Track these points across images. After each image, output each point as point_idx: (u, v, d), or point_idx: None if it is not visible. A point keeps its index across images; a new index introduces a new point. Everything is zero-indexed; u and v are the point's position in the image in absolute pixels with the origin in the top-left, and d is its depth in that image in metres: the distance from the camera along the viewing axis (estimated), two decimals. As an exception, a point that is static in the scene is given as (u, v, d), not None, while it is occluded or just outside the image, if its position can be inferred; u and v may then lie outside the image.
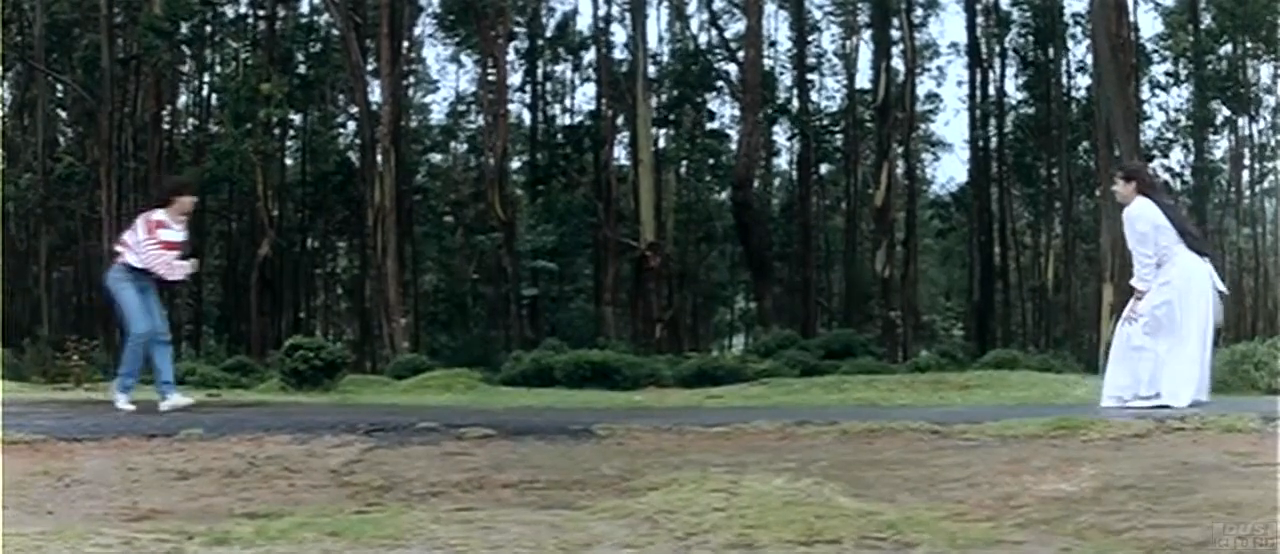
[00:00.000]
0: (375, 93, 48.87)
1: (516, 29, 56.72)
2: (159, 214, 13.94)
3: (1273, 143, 59.86)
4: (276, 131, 54.89)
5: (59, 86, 55.58)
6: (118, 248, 14.20)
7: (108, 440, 9.22)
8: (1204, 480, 6.85)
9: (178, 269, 14.06)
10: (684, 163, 60.56)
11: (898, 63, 52.36)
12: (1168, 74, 58.84)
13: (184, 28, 51.85)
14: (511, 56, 56.28)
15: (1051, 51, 57.90)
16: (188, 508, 6.84)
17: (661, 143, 57.24)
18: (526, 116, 61.43)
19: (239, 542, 5.42)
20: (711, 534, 5.62)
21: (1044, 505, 6.40)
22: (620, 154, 55.89)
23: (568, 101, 63.05)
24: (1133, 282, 12.39)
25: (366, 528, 5.69)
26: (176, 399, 13.83)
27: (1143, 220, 12.18)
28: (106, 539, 5.38)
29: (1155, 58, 58.37)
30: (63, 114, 59.02)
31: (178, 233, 14.06)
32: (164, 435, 9.41)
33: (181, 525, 5.83)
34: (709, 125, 59.65)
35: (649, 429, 10.05)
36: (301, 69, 56.16)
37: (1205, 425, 9.35)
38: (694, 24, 60.30)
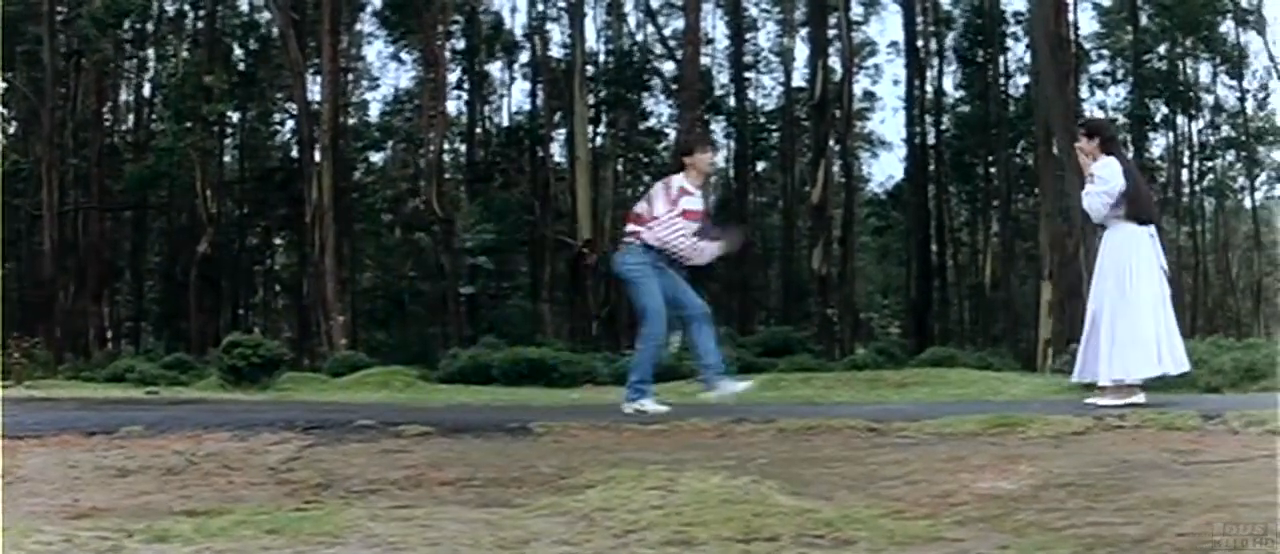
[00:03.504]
0: (314, 90, 48.78)
1: (454, 27, 56.66)
2: (679, 180, 12.21)
3: (1212, 141, 60.44)
4: (215, 128, 54.67)
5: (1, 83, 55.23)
6: (630, 225, 12.47)
7: (49, 438, 9.20)
8: (1144, 478, 6.88)
9: (705, 250, 12.34)
10: (620, 161, 60.58)
11: (835, 61, 52.37)
12: (1106, 73, 59.44)
13: (125, 24, 51.65)
14: (449, 55, 56.21)
15: (990, 50, 58.17)
16: (127, 505, 6.80)
17: (598, 141, 57.33)
18: (465, 114, 61.32)
19: (178, 539, 5.39)
20: (649, 531, 5.61)
21: (982, 502, 6.42)
22: (558, 152, 56.09)
23: (506, 100, 63.09)
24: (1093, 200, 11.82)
25: (305, 525, 5.67)
26: (729, 386, 12.48)
27: (1112, 178, 11.68)
28: (47, 537, 5.35)
29: (1094, 56, 58.93)
30: (4, 110, 58.70)
31: (699, 200, 12.36)
32: (104, 432, 9.40)
33: (121, 523, 5.80)
34: (644, 124, 59.74)
35: (586, 426, 10.07)
36: (241, 66, 56.01)
37: (1145, 423, 9.42)
38: (631, 21, 60.38)
